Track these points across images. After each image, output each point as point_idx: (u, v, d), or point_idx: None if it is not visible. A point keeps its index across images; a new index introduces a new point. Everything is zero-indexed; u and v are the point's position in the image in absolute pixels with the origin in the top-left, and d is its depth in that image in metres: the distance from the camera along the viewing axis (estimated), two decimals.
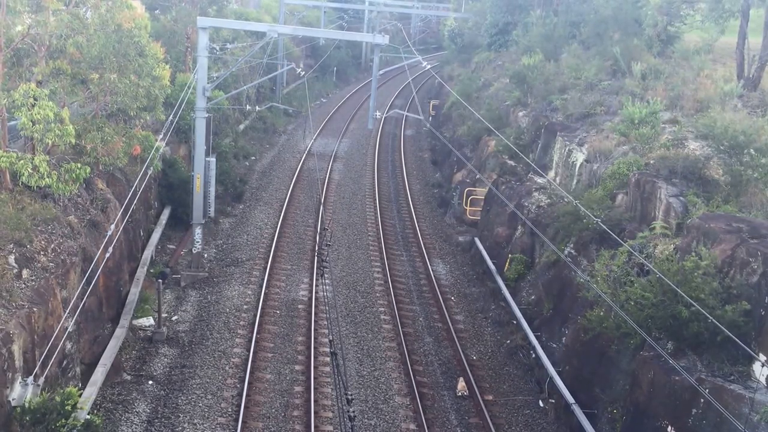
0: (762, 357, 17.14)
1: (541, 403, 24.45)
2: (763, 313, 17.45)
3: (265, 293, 29.70)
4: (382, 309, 30.04)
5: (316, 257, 33.54)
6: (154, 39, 28.44)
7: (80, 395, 19.00)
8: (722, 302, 17.85)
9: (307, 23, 77.94)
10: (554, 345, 25.40)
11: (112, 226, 21.47)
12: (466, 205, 40.08)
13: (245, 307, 28.88)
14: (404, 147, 57.58)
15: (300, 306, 29.38)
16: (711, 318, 15.89)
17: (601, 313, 21.30)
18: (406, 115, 54.61)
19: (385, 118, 61.10)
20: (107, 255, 21.72)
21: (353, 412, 13.65)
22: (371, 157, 53.51)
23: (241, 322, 27.63)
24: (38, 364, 18.19)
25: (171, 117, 27.58)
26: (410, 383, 24.68)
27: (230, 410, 22.36)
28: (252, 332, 26.64)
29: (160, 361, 24.80)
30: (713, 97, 30.39)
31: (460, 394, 24.63)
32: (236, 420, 21.71)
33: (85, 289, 20.81)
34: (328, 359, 25.37)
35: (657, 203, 23.57)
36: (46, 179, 20.80)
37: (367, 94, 68.15)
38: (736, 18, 34.23)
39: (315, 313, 28.48)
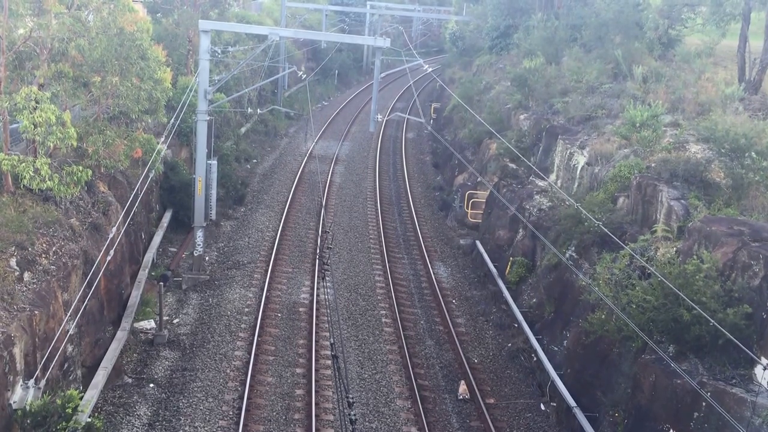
0: (764, 360, 17.12)
1: (542, 407, 24.43)
2: (764, 317, 17.44)
3: (266, 296, 29.70)
4: (384, 312, 30.03)
5: (317, 260, 33.53)
6: (156, 42, 28.51)
7: (81, 398, 19.04)
8: (724, 305, 17.84)
9: (309, 26, 78.05)
10: (555, 348, 25.37)
11: (114, 229, 21.54)
12: (467, 208, 40.08)
13: (246, 309, 28.87)
14: (405, 150, 57.57)
15: (301, 309, 29.38)
16: (713, 321, 15.88)
17: (603, 317, 21.30)
18: (408, 118, 54.61)
19: (386, 121, 61.24)
20: (108, 258, 21.77)
21: (354, 415, 13.64)
22: (372, 160, 53.51)
23: (243, 325, 27.63)
24: (39, 367, 18.21)
25: (173, 120, 27.61)
26: (411, 386, 24.66)
27: (231, 413, 22.35)
28: (253, 335, 26.64)
29: (162, 364, 24.80)
30: (714, 100, 30.39)
31: (461, 397, 24.62)
32: (237, 423, 21.71)
33: (86, 291, 20.83)
34: (329, 362, 25.37)
35: (658, 206, 23.57)
36: (48, 182, 20.82)
37: (368, 97, 68.18)
38: (737, 21, 34.27)
39: (316, 316, 28.47)
